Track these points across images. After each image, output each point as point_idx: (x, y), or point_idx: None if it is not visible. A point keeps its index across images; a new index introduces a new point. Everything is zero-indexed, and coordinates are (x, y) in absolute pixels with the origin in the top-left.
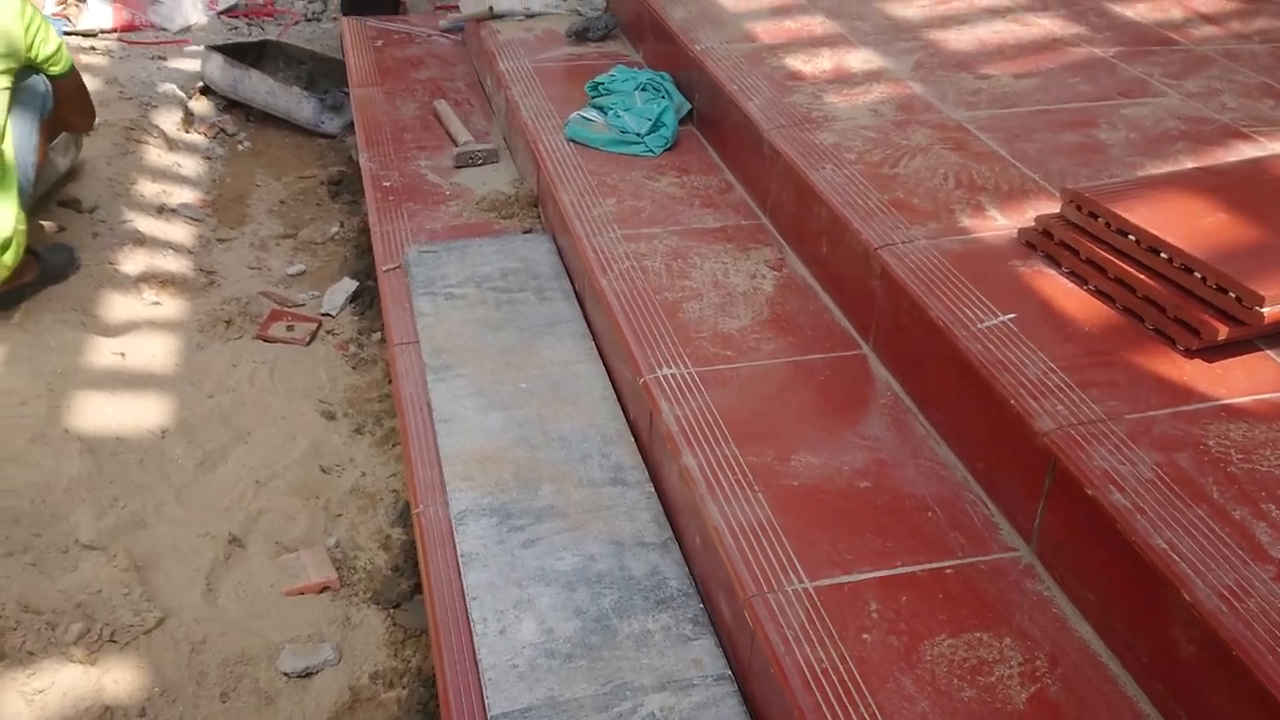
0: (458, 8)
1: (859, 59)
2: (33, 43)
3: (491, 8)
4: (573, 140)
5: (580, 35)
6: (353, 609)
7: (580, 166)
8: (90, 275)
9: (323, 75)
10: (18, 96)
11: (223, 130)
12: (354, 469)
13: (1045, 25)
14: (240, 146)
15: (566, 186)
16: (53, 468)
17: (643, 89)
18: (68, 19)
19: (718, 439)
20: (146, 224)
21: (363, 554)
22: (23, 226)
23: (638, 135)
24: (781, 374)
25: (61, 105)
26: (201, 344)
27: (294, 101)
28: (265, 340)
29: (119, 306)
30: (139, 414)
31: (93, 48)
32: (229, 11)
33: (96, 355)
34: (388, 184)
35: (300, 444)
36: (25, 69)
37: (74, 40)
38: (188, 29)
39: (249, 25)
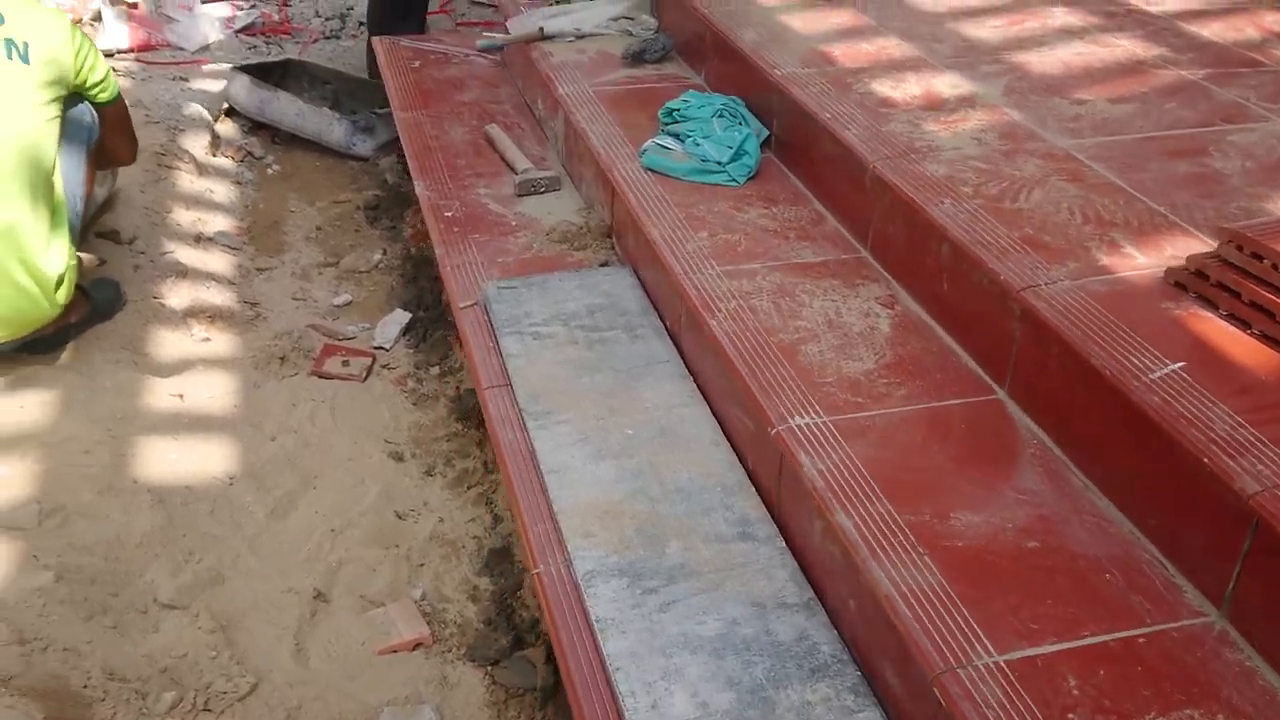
0: (484, 27)
1: (946, 83)
2: (81, 68)
3: (542, 30)
4: (651, 169)
5: (637, 57)
6: (448, 667)
7: (663, 198)
8: (137, 311)
9: (348, 95)
10: (65, 127)
11: (250, 153)
12: (430, 514)
13: (1125, 46)
14: (270, 170)
15: (655, 220)
16: (124, 522)
17: (720, 115)
18: None
19: (869, 496)
20: (187, 254)
21: (451, 606)
22: (73, 262)
23: (719, 164)
24: (918, 422)
25: (107, 134)
26: (258, 382)
27: (325, 123)
28: (321, 376)
29: (169, 344)
30: (204, 459)
31: (113, 69)
32: (247, 30)
33: (154, 397)
34: (450, 214)
35: (371, 488)
36: (72, 97)
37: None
38: (206, 48)
39: (267, 44)
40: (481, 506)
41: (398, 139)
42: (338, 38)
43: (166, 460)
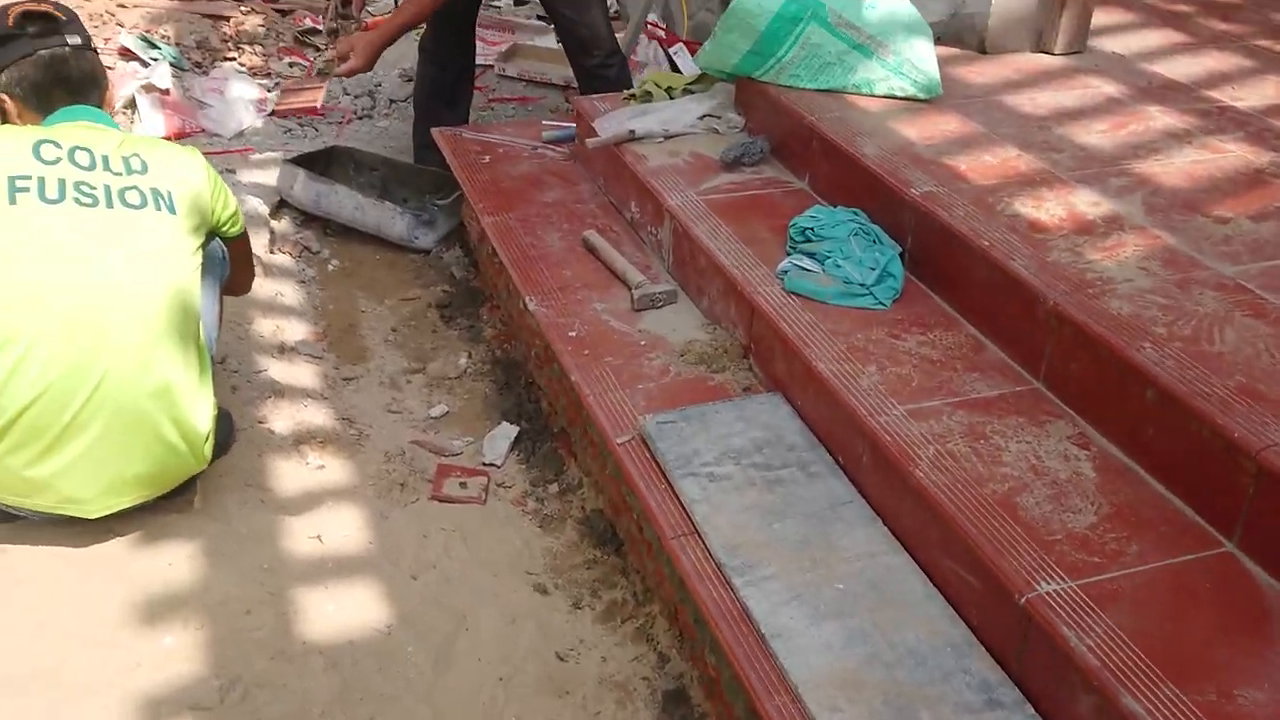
0: (517, 102)
1: (1085, 201)
2: (218, 206)
3: (633, 132)
4: (794, 293)
5: (736, 162)
6: None
7: (815, 325)
8: (250, 440)
9: (396, 182)
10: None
11: (307, 248)
12: (590, 653)
13: (1235, 152)
14: (330, 266)
15: (817, 352)
16: (302, 690)
17: (856, 234)
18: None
19: (1149, 676)
20: (277, 369)
21: None
22: (216, 412)
23: (863, 286)
24: (1162, 583)
25: (235, 266)
26: (384, 513)
27: (385, 217)
28: (442, 501)
29: (288, 475)
30: (358, 609)
31: None
32: (279, 113)
33: (293, 541)
34: (574, 334)
35: (525, 627)
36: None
37: None
38: (241, 133)
39: (301, 126)
40: (642, 644)
41: (458, 229)
42: (370, 117)
43: (325, 614)
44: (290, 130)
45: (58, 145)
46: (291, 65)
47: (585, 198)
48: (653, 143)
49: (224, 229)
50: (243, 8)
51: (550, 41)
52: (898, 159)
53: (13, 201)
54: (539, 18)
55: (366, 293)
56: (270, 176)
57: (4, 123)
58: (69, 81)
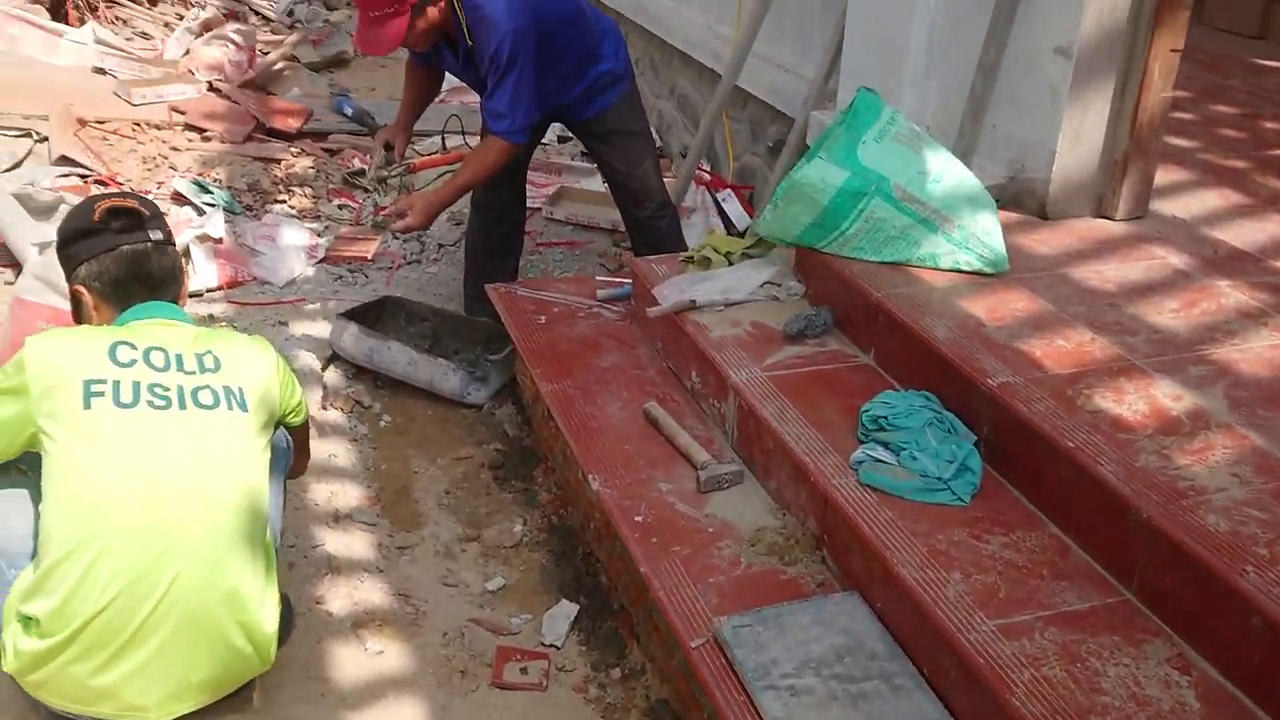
0: (564, 247)
1: (1167, 394)
2: (286, 399)
3: (694, 302)
4: (870, 486)
5: (799, 335)
6: None
7: (893, 523)
8: (308, 625)
9: (448, 333)
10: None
11: (358, 403)
12: None
13: None
14: (382, 423)
15: (898, 556)
16: None
17: (931, 424)
18: None
19: None
20: (333, 541)
21: None
22: (280, 609)
23: (941, 480)
24: None
25: (296, 453)
26: (446, 705)
27: (439, 373)
28: (503, 688)
29: (348, 663)
30: None
31: (211, 316)
32: (329, 259)
33: None
34: (639, 519)
35: None
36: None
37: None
38: (292, 281)
39: (350, 272)
40: None
41: (510, 384)
42: (419, 262)
43: None
44: (340, 277)
45: (133, 347)
46: (341, 207)
47: (644, 362)
48: (713, 311)
49: (289, 418)
50: (293, 149)
51: (597, 183)
52: (969, 342)
53: (87, 406)
54: (582, 154)
55: (419, 451)
56: (321, 328)
57: (80, 314)
58: (149, 278)
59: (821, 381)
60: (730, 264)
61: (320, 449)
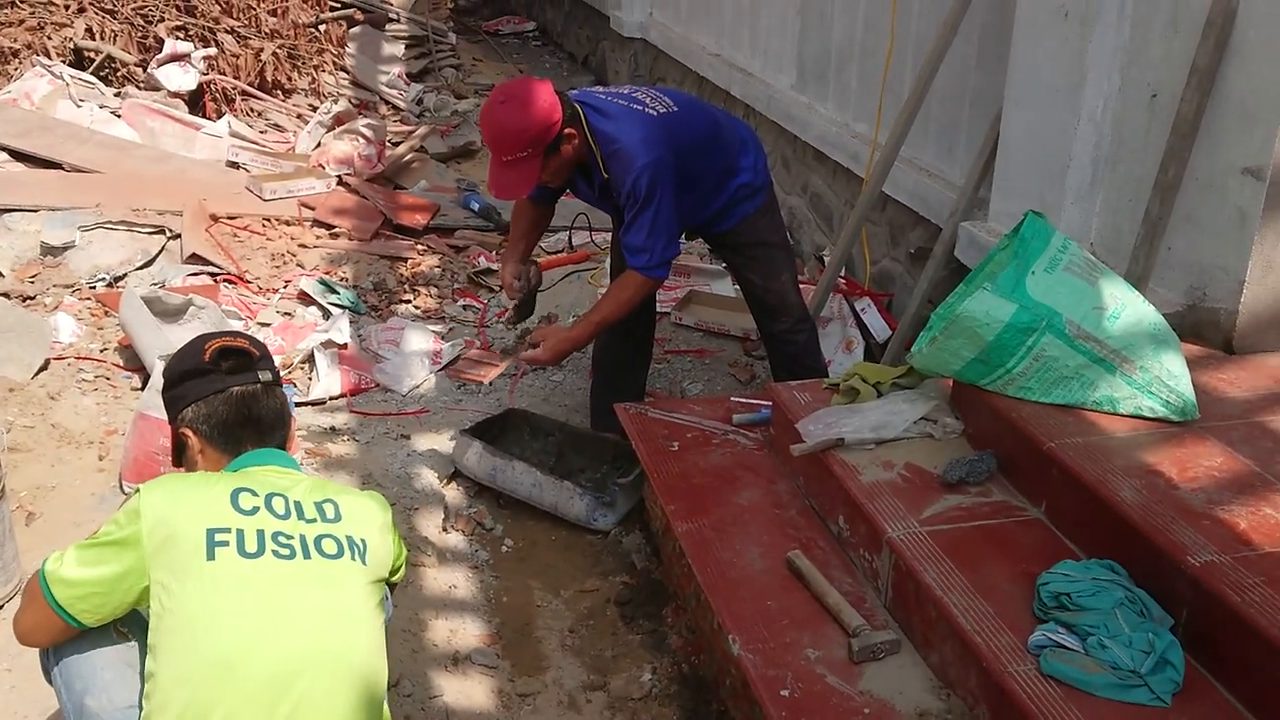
0: (694, 356)
1: None
2: (397, 551)
3: (842, 438)
4: (1051, 676)
5: (960, 483)
6: None
7: None
8: None
9: (572, 449)
10: None
11: (480, 524)
12: None
13: None
14: (504, 548)
15: None
16: None
17: (1121, 605)
18: (294, 385)
19: None
20: (451, 688)
21: None
22: None
23: (1136, 675)
24: None
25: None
26: None
27: (564, 497)
28: None
29: None
30: None
31: (332, 429)
32: (452, 365)
33: None
34: (785, 693)
35: None
36: None
37: (307, 417)
38: (415, 388)
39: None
40: None
41: (638, 507)
42: (544, 370)
43: None
44: (463, 384)
45: (254, 493)
46: (465, 308)
47: (784, 500)
48: (862, 450)
49: (394, 578)
50: (419, 246)
51: (727, 286)
52: (1162, 507)
53: (211, 557)
54: (710, 252)
55: (542, 582)
56: (443, 442)
57: (183, 459)
58: (259, 422)
59: (988, 539)
60: (880, 395)
61: (440, 579)
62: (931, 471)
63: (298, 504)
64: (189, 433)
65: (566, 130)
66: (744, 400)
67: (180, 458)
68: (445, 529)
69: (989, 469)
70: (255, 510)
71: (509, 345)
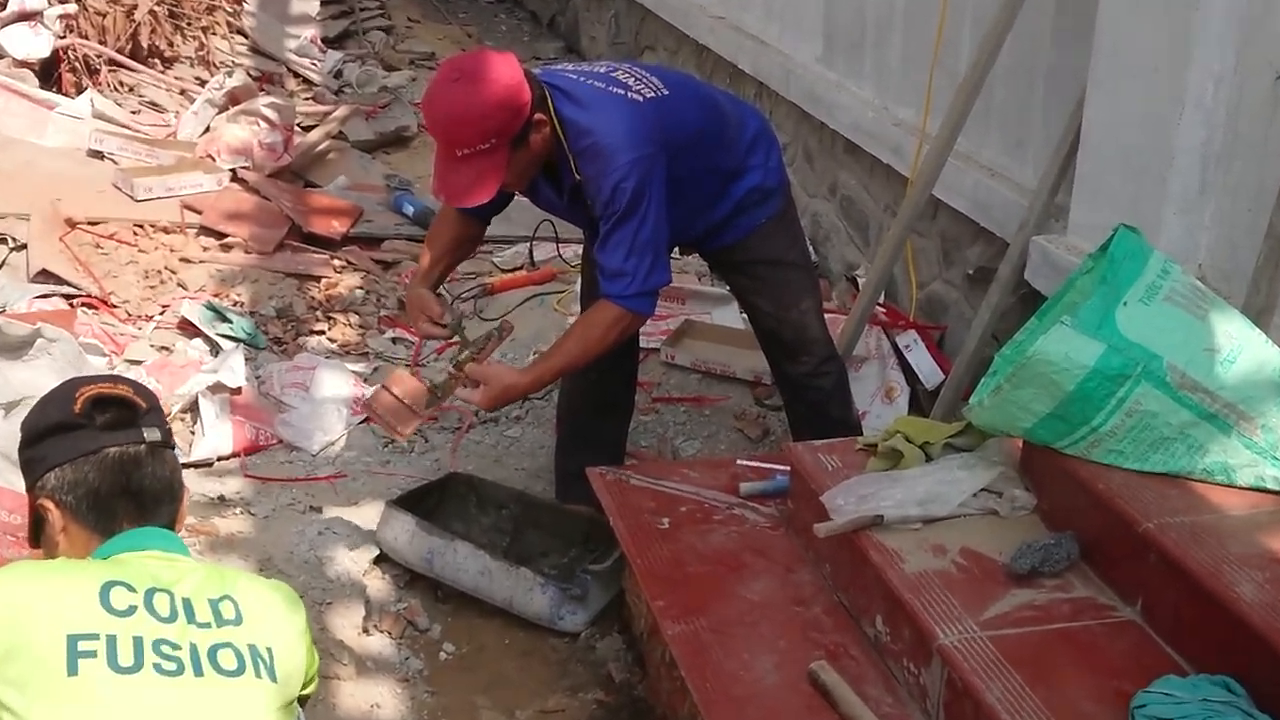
0: (691, 404)
1: None
2: (309, 662)
3: (880, 515)
4: None
5: (1033, 574)
6: None
7: None
8: None
9: (533, 526)
10: None
11: (411, 624)
12: None
13: None
14: (442, 654)
15: None
16: None
17: None
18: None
19: None
20: None
21: None
22: None
23: None
24: None
25: None
26: None
27: (521, 587)
28: None
29: None
30: None
31: (221, 498)
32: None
33: None
34: None
35: None
36: None
37: (189, 482)
38: (330, 444)
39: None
40: None
41: (616, 604)
42: (496, 422)
43: None
44: (392, 442)
45: (131, 588)
46: (395, 340)
47: (806, 593)
48: (906, 529)
49: (304, 690)
50: (337, 261)
51: (732, 315)
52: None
53: (73, 672)
54: (709, 269)
55: (491, 699)
56: (365, 515)
57: (40, 537)
58: (140, 494)
59: (1068, 647)
60: (929, 459)
61: (361, 695)
62: (995, 559)
63: (186, 602)
64: (50, 505)
65: (536, 116)
66: (754, 464)
67: (38, 537)
68: (366, 630)
69: (1069, 555)
70: (131, 611)
71: (438, 383)
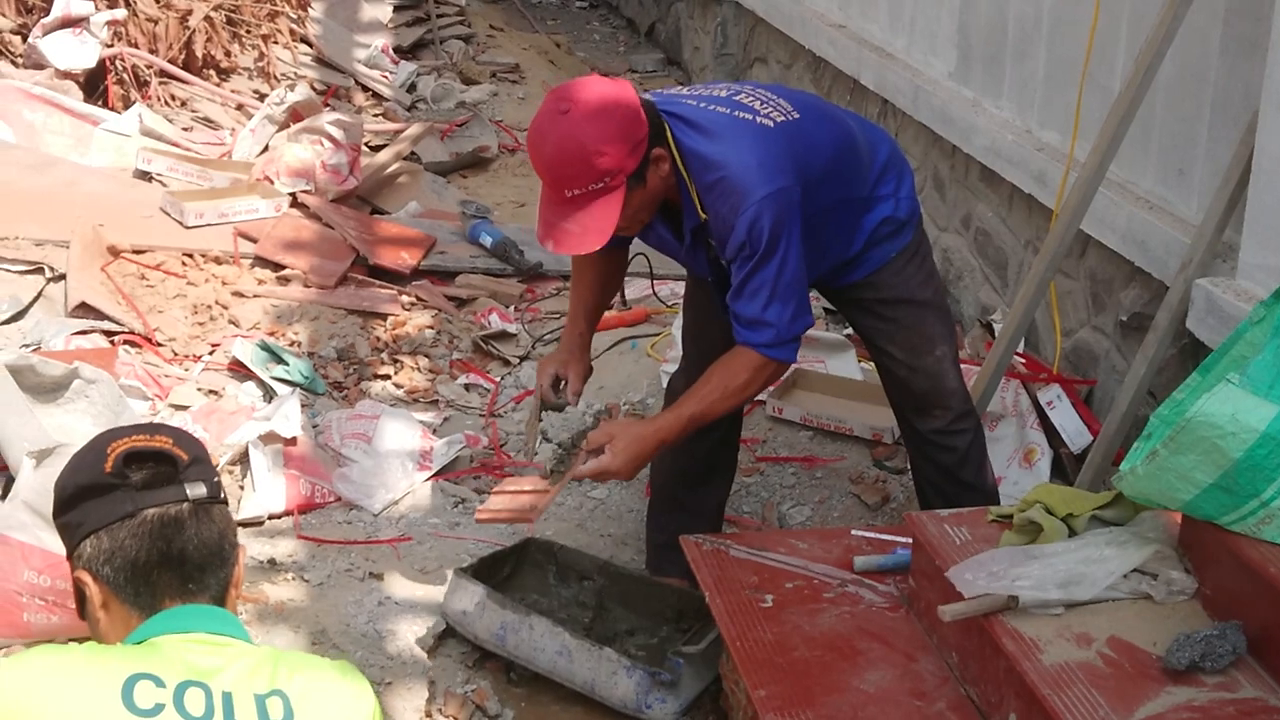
0: (804, 464)
1: None
2: None
3: (1015, 598)
4: None
5: (1193, 668)
6: None
7: None
8: None
9: (618, 601)
10: None
11: (480, 709)
12: None
13: None
14: None
15: None
16: None
17: None
18: None
19: None
20: None
21: None
22: None
23: None
24: None
25: None
26: None
27: (604, 671)
28: None
29: None
30: None
31: (271, 561)
32: (448, 470)
33: None
34: None
35: None
36: None
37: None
38: (394, 503)
39: (478, 492)
40: None
41: (712, 691)
42: (581, 482)
43: None
44: (463, 501)
45: (159, 683)
46: (469, 387)
47: (928, 686)
48: (1047, 615)
49: None
50: (406, 297)
51: (849, 364)
52: None
53: None
54: (825, 311)
55: None
56: (430, 585)
57: (84, 613)
58: (183, 562)
59: None
60: (1072, 533)
61: None
62: (1149, 651)
63: (227, 698)
64: (87, 578)
65: (655, 151)
66: (871, 535)
67: (82, 612)
68: (430, 714)
69: (1234, 649)
70: (158, 710)
71: (560, 456)
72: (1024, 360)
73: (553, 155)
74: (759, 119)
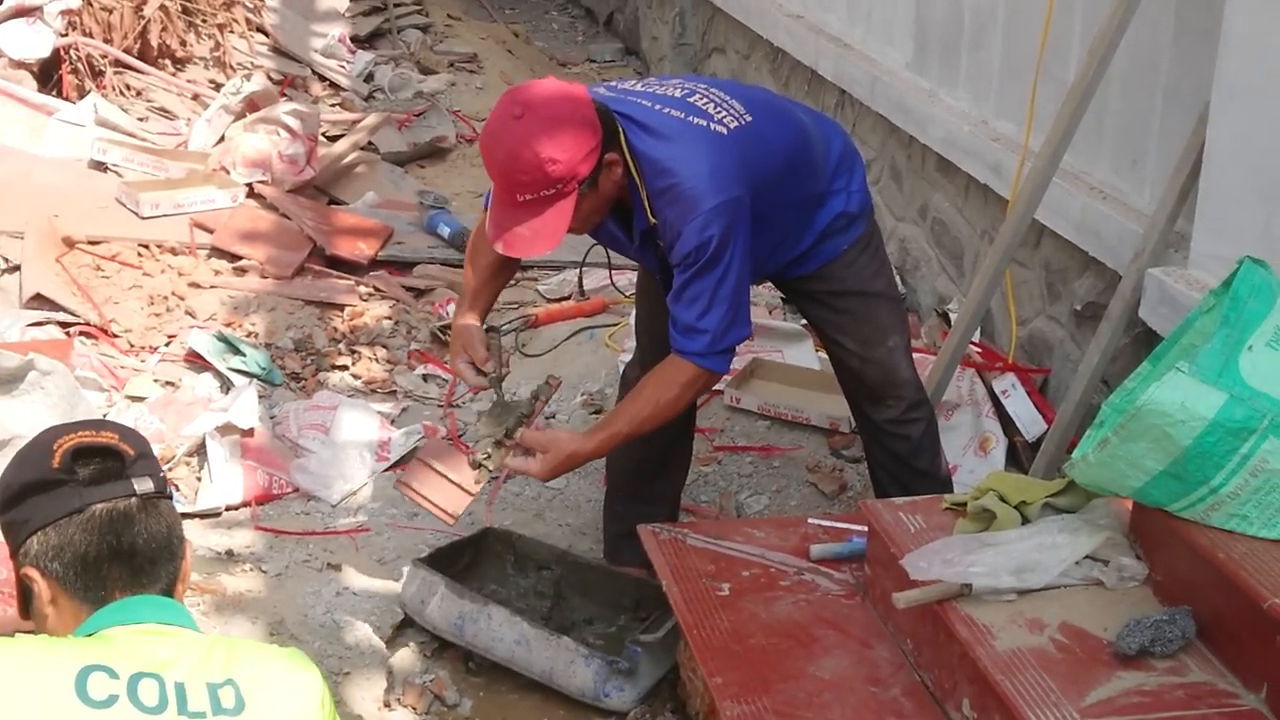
0: (760, 453)
1: None
2: None
3: (968, 585)
4: None
5: (1142, 653)
6: None
7: None
8: None
9: (575, 588)
10: None
11: (439, 699)
12: None
13: None
14: None
15: None
16: None
17: None
18: (176, 488)
19: None
20: None
21: None
22: None
23: None
24: None
25: None
26: None
27: (562, 659)
28: None
29: None
30: None
31: (229, 552)
32: (405, 461)
33: None
34: None
35: None
36: None
37: (194, 534)
38: (352, 494)
39: None
40: None
41: (670, 679)
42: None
43: None
44: None
45: (112, 674)
46: (426, 378)
47: (883, 672)
48: (1000, 601)
49: None
50: (363, 287)
51: (806, 354)
52: None
53: None
54: (783, 300)
55: None
56: (387, 575)
57: (30, 610)
58: (133, 556)
59: None
60: (1025, 521)
61: None
62: (1100, 636)
63: (180, 688)
64: (34, 574)
65: (607, 156)
66: (827, 523)
67: (27, 610)
68: (388, 704)
69: (1184, 634)
70: (111, 701)
71: (488, 455)
72: (979, 349)
73: (505, 160)
74: (712, 125)
